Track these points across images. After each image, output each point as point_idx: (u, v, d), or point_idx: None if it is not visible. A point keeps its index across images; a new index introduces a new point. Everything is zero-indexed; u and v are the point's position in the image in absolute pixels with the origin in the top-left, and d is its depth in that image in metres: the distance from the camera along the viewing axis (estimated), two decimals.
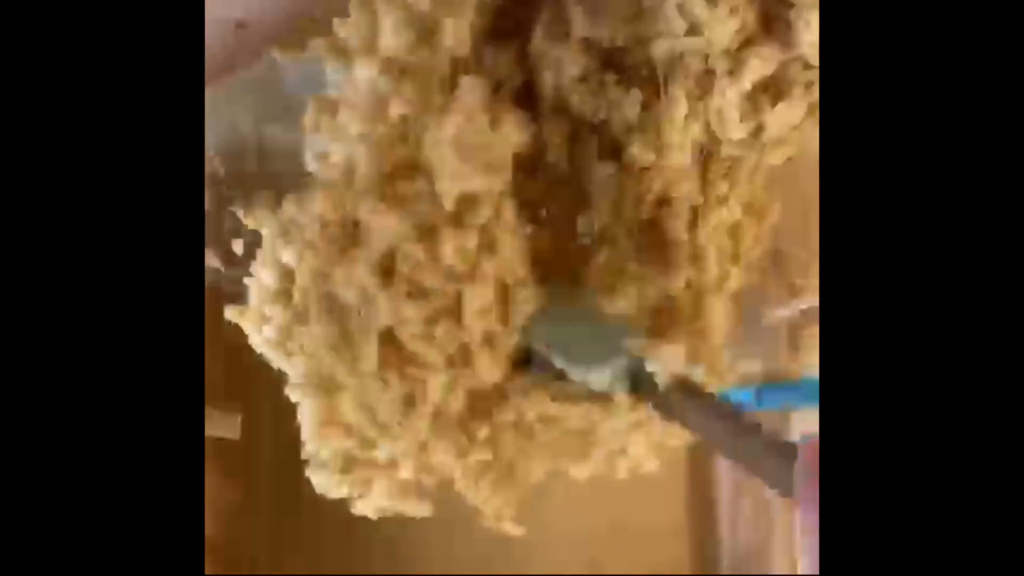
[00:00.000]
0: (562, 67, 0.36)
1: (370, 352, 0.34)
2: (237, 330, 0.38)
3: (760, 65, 0.34)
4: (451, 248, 0.33)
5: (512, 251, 0.35)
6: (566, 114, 0.37)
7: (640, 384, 0.36)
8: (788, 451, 0.27)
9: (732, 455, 0.32)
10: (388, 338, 0.34)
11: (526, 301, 0.36)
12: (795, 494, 0.26)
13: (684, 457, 0.54)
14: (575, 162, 0.37)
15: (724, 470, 0.54)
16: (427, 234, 0.33)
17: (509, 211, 0.34)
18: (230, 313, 0.36)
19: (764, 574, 0.51)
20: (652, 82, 0.35)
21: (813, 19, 0.33)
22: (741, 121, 0.35)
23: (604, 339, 0.36)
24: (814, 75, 0.35)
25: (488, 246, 0.34)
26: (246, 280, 0.36)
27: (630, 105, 0.35)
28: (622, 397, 0.36)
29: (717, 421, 0.32)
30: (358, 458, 0.37)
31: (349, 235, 0.34)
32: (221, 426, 0.48)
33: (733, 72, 0.34)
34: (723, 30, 0.33)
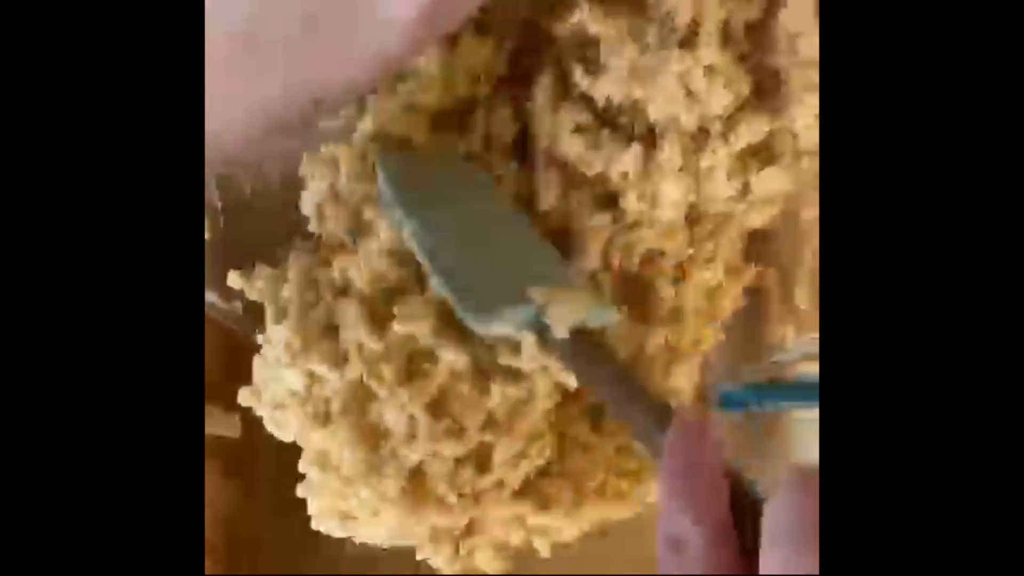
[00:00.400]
0: (560, 119, 0.37)
1: (397, 483, 0.36)
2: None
3: (749, 133, 0.36)
4: (499, 395, 0.35)
5: (546, 409, 0.37)
6: (561, 164, 0.38)
7: (545, 336, 0.33)
8: (663, 417, 0.29)
9: (619, 415, 0.33)
10: (414, 469, 0.36)
11: (540, 455, 0.37)
12: (661, 460, 0.27)
13: None
14: (567, 211, 0.38)
15: None
16: (481, 376, 0.35)
17: (554, 373, 0.36)
18: (243, 397, 0.38)
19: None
20: (647, 136, 0.37)
21: (808, 100, 0.35)
22: (728, 179, 0.37)
23: (517, 275, 0.34)
24: (803, 147, 0.37)
25: (529, 397, 0.36)
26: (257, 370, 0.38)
27: (629, 161, 0.36)
28: (529, 343, 0.34)
29: (609, 383, 0.32)
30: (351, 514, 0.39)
31: (412, 361, 0.36)
32: (221, 425, 0.48)
33: (725, 135, 0.36)
34: (718, 100, 0.35)
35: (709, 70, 0.35)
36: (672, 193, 0.36)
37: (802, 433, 0.46)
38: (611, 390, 0.32)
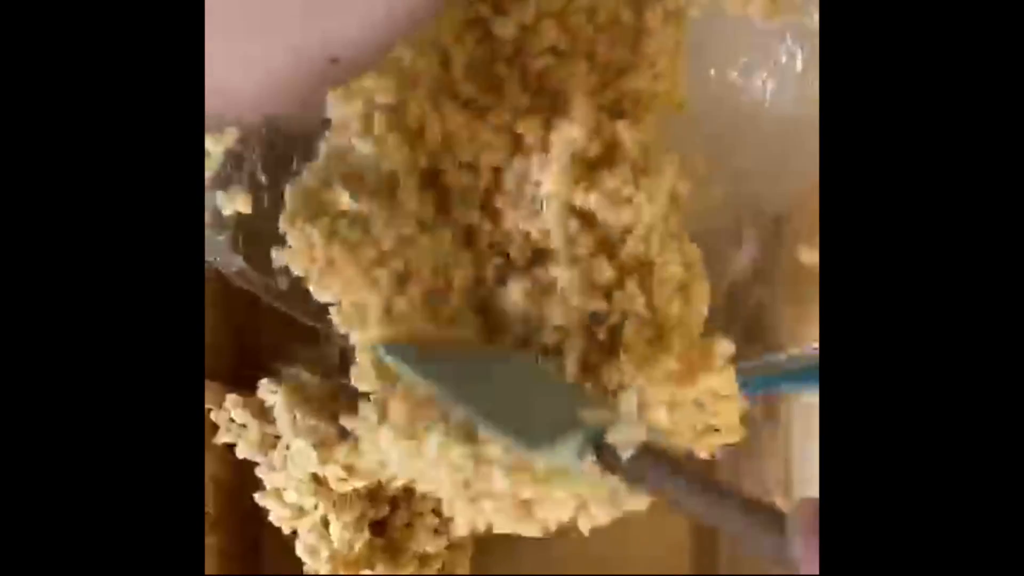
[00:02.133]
0: None
1: None
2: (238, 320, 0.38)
3: None
4: None
5: None
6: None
7: (603, 455, 0.33)
8: (775, 516, 0.27)
9: (711, 521, 0.30)
10: None
11: None
12: (791, 554, 0.26)
13: None
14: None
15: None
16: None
17: None
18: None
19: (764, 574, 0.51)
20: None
21: None
22: None
23: (552, 409, 0.35)
24: None
25: None
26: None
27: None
28: (591, 469, 0.33)
29: (692, 492, 0.30)
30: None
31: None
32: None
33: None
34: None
35: None
36: None
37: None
38: (695, 500, 0.30)
